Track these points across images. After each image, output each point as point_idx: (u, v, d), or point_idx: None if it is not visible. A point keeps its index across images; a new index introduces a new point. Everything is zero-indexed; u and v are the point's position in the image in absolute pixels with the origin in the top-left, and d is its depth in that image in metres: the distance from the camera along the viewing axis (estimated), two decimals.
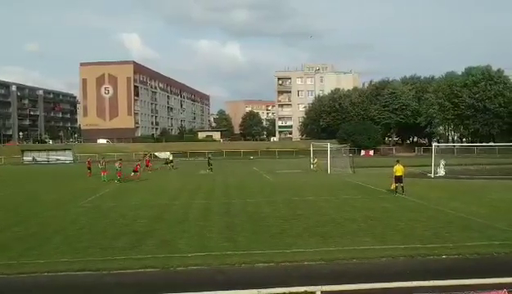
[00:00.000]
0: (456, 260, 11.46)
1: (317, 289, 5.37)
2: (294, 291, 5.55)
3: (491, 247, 12.43)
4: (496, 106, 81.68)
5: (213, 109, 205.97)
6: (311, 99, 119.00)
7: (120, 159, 39.23)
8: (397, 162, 24.62)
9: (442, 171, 36.95)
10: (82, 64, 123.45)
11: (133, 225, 16.58)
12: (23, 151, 76.49)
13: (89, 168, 40.97)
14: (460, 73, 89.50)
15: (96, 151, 76.24)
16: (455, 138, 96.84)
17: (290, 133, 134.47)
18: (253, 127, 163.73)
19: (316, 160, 45.93)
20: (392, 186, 24.08)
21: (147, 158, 52.23)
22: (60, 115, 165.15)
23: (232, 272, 10.77)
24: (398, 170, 23.93)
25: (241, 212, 19.20)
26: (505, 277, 5.61)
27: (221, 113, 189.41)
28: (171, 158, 52.12)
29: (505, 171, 38.74)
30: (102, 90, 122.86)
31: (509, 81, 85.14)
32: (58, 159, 73.26)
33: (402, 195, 23.07)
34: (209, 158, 47.06)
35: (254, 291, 5.38)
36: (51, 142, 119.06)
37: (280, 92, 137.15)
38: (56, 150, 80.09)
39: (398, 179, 23.88)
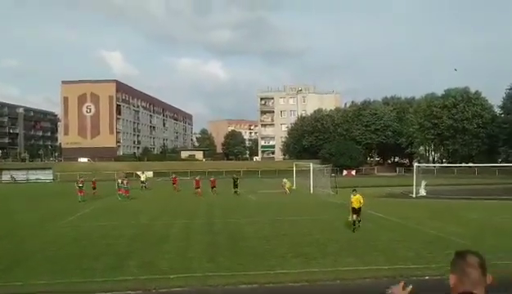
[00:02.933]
0: (439, 281, 11.48)
1: None
2: None
3: None
4: (474, 127, 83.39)
5: (196, 128, 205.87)
6: (293, 119, 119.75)
7: (126, 176, 38.71)
8: (354, 191, 20.49)
9: (423, 192, 37.35)
10: (63, 83, 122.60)
11: (114, 246, 16.32)
12: (1, 170, 75.13)
13: (174, 183, 43.55)
14: (439, 94, 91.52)
15: (77, 170, 75.18)
16: (436, 158, 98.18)
17: (273, 153, 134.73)
18: (235, 147, 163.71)
19: (286, 182, 42.40)
20: (350, 218, 19.76)
21: (197, 178, 42.30)
22: (41, 133, 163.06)
23: (215, 293, 10.66)
24: (355, 201, 19.74)
25: (224, 232, 19.08)
26: None
27: (203, 132, 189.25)
28: (142, 178, 48.15)
29: (483, 191, 39.34)
30: (84, 108, 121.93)
31: (486, 102, 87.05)
32: (38, 178, 72.13)
33: (358, 226, 19.30)
34: (235, 178, 42.29)
35: None
36: (27, 160, 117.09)
37: (263, 112, 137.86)
38: (36, 169, 78.88)
39: (356, 211, 19.59)
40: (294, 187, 44.78)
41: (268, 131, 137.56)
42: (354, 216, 19.39)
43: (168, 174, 67.59)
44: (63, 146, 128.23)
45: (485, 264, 2.53)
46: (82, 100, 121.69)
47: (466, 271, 2.51)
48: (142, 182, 47.01)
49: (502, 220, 22.34)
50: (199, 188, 38.71)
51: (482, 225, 20.61)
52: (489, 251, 14.75)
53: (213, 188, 40.17)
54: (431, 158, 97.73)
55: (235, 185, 40.62)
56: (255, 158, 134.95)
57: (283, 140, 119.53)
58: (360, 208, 19.58)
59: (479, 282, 2.49)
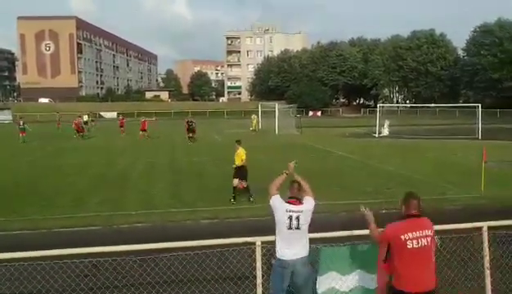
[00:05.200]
0: (395, 213, 11.89)
1: (257, 239, 5.43)
2: (234, 242, 5.60)
3: (426, 202, 12.98)
4: (437, 69, 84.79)
5: (162, 69, 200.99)
6: (260, 59, 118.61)
7: (79, 116, 40.40)
8: (238, 143, 14.25)
9: (386, 131, 38.18)
10: (19, 18, 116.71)
11: (75, 184, 16.15)
12: None
13: (122, 126, 40.81)
14: (405, 36, 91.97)
15: (37, 111, 73.21)
16: (400, 100, 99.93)
17: (239, 93, 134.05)
18: (201, 88, 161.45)
19: (254, 117, 44.12)
20: (235, 183, 13.45)
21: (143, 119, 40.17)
22: None
23: (177, 228, 10.75)
24: (236, 157, 13.84)
25: (188, 171, 19.11)
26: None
27: (169, 73, 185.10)
28: (85, 118, 43.81)
29: (443, 131, 40.48)
30: (43, 46, 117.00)
31: (451, 44, 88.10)
32: None
33: (251, 199, 13.31)
34: (190, 122, 34.76)
35: (194, 242, 5.41)
36: None
37: (230, 52, 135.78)
38: None
39: (238, 172, 13.56)
40: (260, 127, 44.90)
41: (235, 71, 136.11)
42: (236, 181, 13.41)
43: (133, 115, 66.69)
44: (22, 86, 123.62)
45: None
46: (40, 37, 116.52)
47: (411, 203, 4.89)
48: (85, 123, 42.72)
49: (457, 158, 23.12)
50: (145, 130, 36.11)
51: (439, 163, 21.31)
52: (442, 185, 15.40)
53: (188, 131, 34.19)
54: (395, 100, 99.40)
55: (191, 130, 34.13)
56: (221, 99, 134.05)
57: (249, 80, 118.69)
58: (244, 168, 13.63)
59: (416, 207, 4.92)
